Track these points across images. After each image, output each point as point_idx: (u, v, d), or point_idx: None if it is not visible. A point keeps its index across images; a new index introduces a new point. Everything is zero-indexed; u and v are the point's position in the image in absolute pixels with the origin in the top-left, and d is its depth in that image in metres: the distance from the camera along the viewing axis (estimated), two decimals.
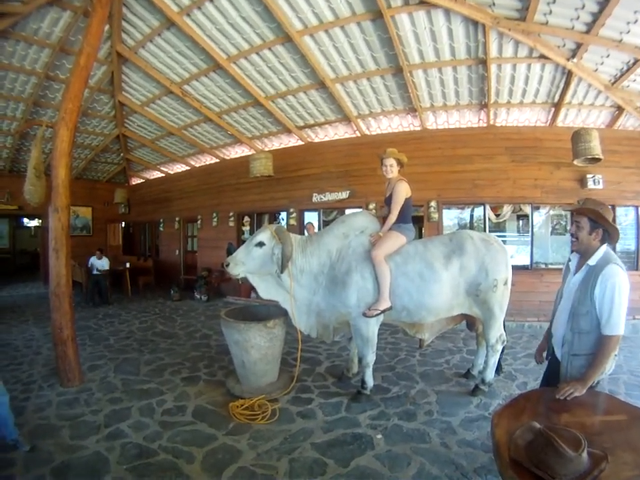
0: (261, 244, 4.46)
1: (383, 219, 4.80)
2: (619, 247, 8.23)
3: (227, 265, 4.45)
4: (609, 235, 2.60)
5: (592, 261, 2.58)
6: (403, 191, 4.48)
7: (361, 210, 7.67)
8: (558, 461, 1.63)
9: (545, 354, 3.00)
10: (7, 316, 8.99)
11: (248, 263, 4.48)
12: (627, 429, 1.99)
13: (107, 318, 8.87)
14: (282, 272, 4.43)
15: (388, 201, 4.64)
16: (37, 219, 17.63)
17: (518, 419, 2.10)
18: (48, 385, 4.93)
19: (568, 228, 8.36)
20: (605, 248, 2.60)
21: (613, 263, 2.50)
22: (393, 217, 4.47)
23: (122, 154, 13.55)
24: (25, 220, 19.48)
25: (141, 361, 5.90)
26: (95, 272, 10.50)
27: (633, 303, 7.72)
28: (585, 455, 1.64)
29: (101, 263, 10.62)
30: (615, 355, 2.57)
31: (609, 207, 2.66)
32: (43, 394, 4.68)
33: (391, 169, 4.60)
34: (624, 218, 8.41)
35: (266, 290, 4.74)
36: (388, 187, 4.73)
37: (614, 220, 7.62)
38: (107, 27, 6.88)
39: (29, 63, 7.92)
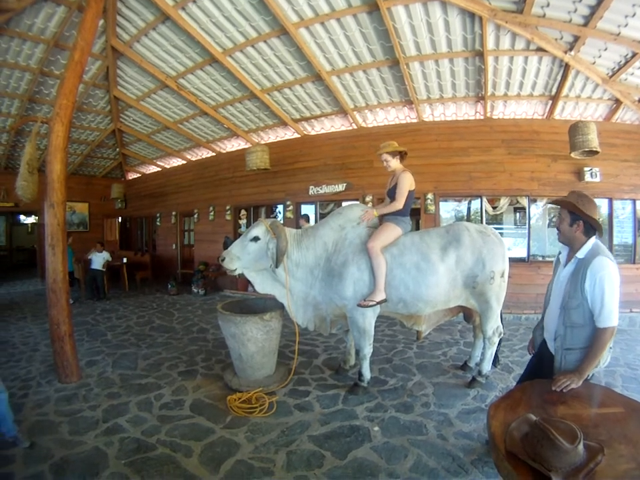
0: (255, 239, 4.45)
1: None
2: (616, 240, 8.27)
3: (223, 260, 4.45)
4: (592, 226, 2.59)
5: (580, 254, 2.58)
6: (407, 182, 4.48)
7: (357, 202, 7.66)
8: (554, 453, 1.63)
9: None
10: (5, 313, 8.94)
11: (243, 257, 4.47)
12: (624, 422, 1.99)
13: (105, 313, 8.86)
14: (277, 267, 4.42)
15: (390, 193, 4.65)
16: (33, 216, 17.62)
17: (514, 411, 2.10)
18: (46, 381, 4.91)
19: None
20: (593, 240, 2.60)
21: (601, 255, 2.49)
22: (399, 204, 4.47)
23: (118, 149, 13.53)
24: (22, 217, 19.50)
25: (138, 355, 5.89)
26: (92, 267, 10.48)
27: (630, 296, 7.80)
28: (580, 447, 1.65)
29: (102, 256, 10.60)
30: (610, 348, 2.57)
31: (593, 199, 2.65)
32: (41, 390, 4.66)
33: (387, 163, 4.61)
34: (621, 211, 8.45)
35: (262, 284, 4.73)
36: (391, 179, 4.73)
37: (610, 215, 7.59)
38: (101, 22, 6.87)
39: (24, 59, 7.88)
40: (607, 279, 2.41)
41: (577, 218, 2.57)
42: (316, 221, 9.72)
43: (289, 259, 4.53)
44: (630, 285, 7.97)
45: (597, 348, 2.43)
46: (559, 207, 2.70)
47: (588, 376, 2.50)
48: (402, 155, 4.69)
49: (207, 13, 6.58)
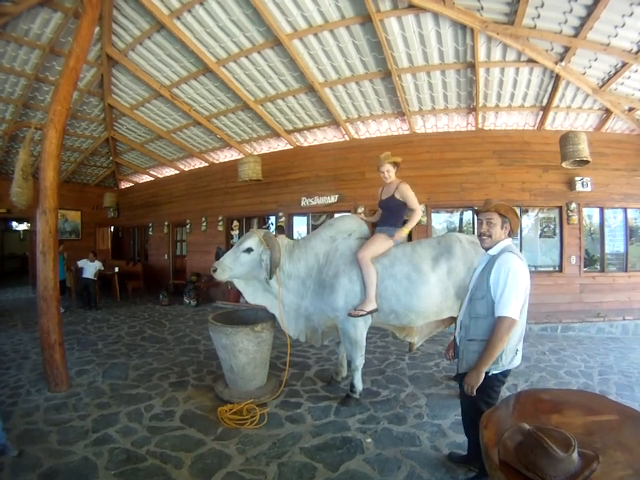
0: (249, 250, 4.44)
1: (372, 225, 4.83)
2: (607, 248, 8.37)
3: (215, 271, 4.42)
4: (512, 228, 2.79)
5: (493, 251, 2.77)
6: (411, 191, 4.55)
7: (348, 213, 7.67)
8: (548, 462, 1.62)
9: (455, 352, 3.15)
10: None
11: (235, 268, 4.45)
12: (619, 429, 1.99)
13: (96, 323, 8.77)
14: (270, 278, 4.41)
15: (383, 204, 4.70)
16: (25, 223, 17.48)
17: (507, 420, 2.09)
18: (36, 390, 4.85)
19: (557, 231, 8.43)
20: (509, 241, 2.79)
21: (510, 251, 2.66)
22: (419, 210, 4.60)
23: (111, 157, 13.47)
24: (14, 223, 19.34)
25: (129, 365, 5.83)
26: (84, 276, 10.40)
27: (623, 304, 7.86)
28: (575, 455, 1.63)
29: (93, 265, 10.51)
30: (517, 350, 2.70)
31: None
32: (30, 399, 4.61)
33: (389, 174, 4.62)
34: (613, 220, 8.52)
35: (253, 295, 4.72)
36: (384, 190, 4.76)
37: (602, 224, 7.72)
38: (97, 29, 6.86)
39: (19, 64, 7.86)
40: (511, 271, 2.54)
41: (505, 220, 2.75)
42: (308, 233, 9.72)
43: (280, 270, 4.52)
44: (622, 293, 8.07)
45: (493, 339, 2.53)
46: (492, 212, 2.78)
47: (488, 372, 2.64)
48: (398, 167, 4.72)
49: (202, 23, 6.61)
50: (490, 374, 2.66)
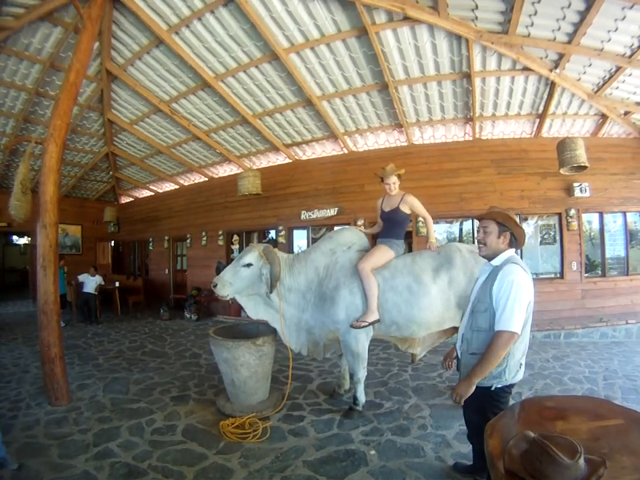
0: (249, 264, 4.44)
1: (372, 237, 4.82)
2: (608, 253, 8.39)
3: (215, 286, 4.41)
4: (516, 238, 2.71)
5: (496, 262, 2.69)
6: (418, 201, 4.61)
7: (347, 226, 7.70)
8: (554, 469, 1.59)
9: (455, 362, 3.12)
10: None
11: (236, 283, 4.44)
12: (625, 433, 1.96)
13: (96, 337, 8.75)
14: (271, 292, 4.41)
15: (385, 216, 4.70)
16: (26, 237, 17.52)
17: (512, 428, 2.07)
18: (36, 404, 4.84)
19: (557, 237, 8.43)
20: (512, 251, 2.72)
21: (514, 263, 2.59)
22: (431, 221, 4.73)
23: (111, 172, 13.50)
24: (15, 237, 19.40)
25: (130, 380, 5.80)
26: (84, 290, 10.40)
27: (625, 308, 7.84)
28: (581, 461, 1.61)
29: (94, 280, 10.52)
30: (521, 365, 2.66)
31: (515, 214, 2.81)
32: (31, 412, 4.60)
33: (394, 186, 4.64)
34: (612, 225, 8.56)
35: (254, 310, 4.71)
36: (386, 201, 4.77)
37: (602, 229, 7.67)
38: (96, 44, 6.91)
39: (20, 79, 7.92)
40: (515, 284, 2.48)
41: (504, 229, 2.68)
42: (308, 246, 9.71)
43: (281, 284, 4.52)
44: (624, 297, 8.08)
45: (490, 352, 2.47)
46: (487, 219, 2.75)
47: (491, 385, 2.60)
48: (400, 178, 4.75)
49: (200, 38, 6.67)
50: (493, 388, 2.62)
